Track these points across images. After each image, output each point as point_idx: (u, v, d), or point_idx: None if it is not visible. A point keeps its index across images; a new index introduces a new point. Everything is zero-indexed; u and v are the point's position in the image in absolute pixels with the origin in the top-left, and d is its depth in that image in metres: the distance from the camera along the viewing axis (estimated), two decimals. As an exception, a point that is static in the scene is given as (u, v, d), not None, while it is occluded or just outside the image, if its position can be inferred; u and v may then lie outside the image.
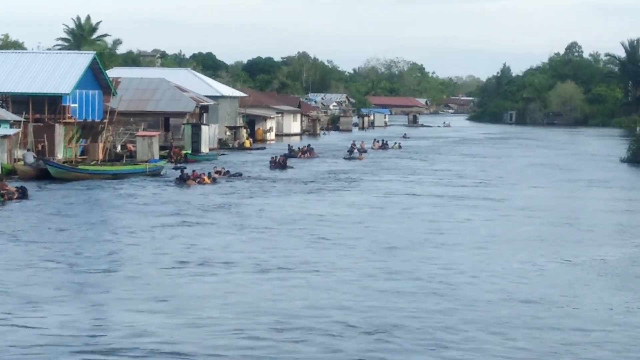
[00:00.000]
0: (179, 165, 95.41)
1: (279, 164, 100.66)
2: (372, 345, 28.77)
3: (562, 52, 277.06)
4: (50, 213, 59.82)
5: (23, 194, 65.46)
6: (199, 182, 79.75)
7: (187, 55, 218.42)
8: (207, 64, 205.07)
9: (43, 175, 77.37)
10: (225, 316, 32.43)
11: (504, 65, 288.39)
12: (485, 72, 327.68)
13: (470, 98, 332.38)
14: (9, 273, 40.27)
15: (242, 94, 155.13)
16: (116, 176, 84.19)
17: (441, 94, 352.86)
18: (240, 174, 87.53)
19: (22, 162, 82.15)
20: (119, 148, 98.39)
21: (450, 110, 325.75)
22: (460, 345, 28.91)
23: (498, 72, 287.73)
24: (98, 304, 34.88)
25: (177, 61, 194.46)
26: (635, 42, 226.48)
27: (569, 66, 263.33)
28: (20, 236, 50.44)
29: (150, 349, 28.16)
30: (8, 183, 68.59)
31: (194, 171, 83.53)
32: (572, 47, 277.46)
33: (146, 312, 33.06)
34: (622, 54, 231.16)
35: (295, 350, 28.17)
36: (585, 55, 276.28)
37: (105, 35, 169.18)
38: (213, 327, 30.90)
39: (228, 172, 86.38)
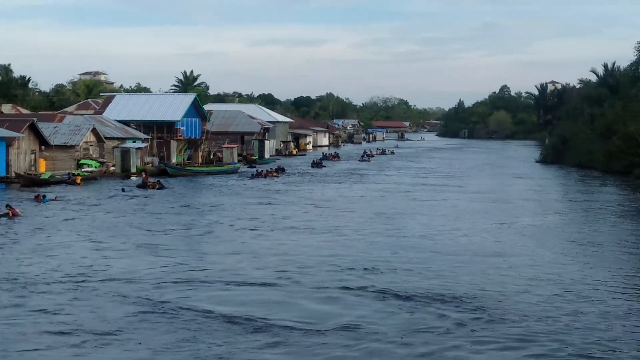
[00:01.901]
0: (251, 166, 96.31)
1: (317, 164, 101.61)
2: (368, 276, 29.41)
3: (497, 91, 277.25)
4: (176, 196, 61.07)
5: (160, 185, 66.60)
6: (267, 176, 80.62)
7: (255, 95, 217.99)
8: (268, 101, 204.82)
9: (163, 173, 78.00)
10: (281, 259, 32.99)
11: (460, 100, 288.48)
12: (447, 104, 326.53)
13: (438, 121, 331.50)
14: (155, 233, 41.08)
15: (290, 120, 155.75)
16: (209, 173, 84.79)
17: (419, 119, 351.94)
18: (284, 169, 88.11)
19: (150, 165, 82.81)
20: (211, 155, 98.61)
21: (425, 130, 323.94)
22: (427, 273, 29.58)
23: (456, 105, 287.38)
24: (201, 252, 35.50)
25: (249, 99, 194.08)
26: (544, 84, 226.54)
27: (501, 100, 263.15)
28: (160, 209, 51.43)
29: (231, 279, 28.76)
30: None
31: (263, 170, 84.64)
32: (504, 88, 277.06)
33: (230, 258, 33.75)
34: (535, 92, 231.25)
35: (321, 278, 28.65)
36: (512, 93, 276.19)
37: (202, 82, 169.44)
38: (274, 264, 31.59)
39: (282, 169, 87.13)
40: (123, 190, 63.24)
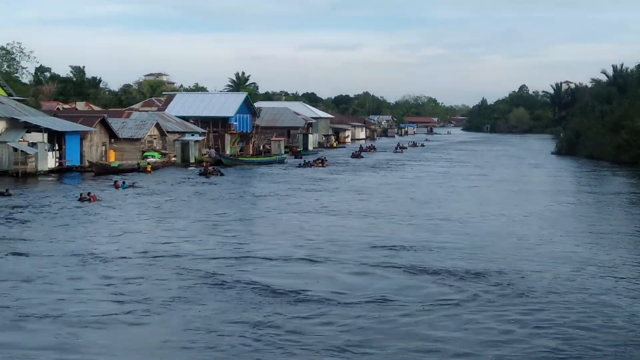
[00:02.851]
0: (297, 157, 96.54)
1: (356, 155, 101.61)
2: (399, 253, 29.44)
3: (516, 90, 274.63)
4: (231, 183, 61.13)
5: (220, 172, 67.41)
6: (313, 166, 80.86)
7: (300, 94, 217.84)
8: (311, 99, 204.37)
9: (218, 163, 78.21)
10: (323, 239, 33.13)
11: (483, 98, 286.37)
12: (472, 102, 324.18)
13: (464, 117, 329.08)
14: (215, 215, 41.13)
15: (331, 116, 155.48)
16: (260, 163, 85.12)
17: (446, 115, 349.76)
18: (327, 160, 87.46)
19: (207, 156, 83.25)
20: (261, 147, 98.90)
21: (452, 125, 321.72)
22: (452, 251, 29.44)
23: (479, 102, 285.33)
24: (253, 232, 35.74)
25: (294, 97, 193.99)
26: (559, 84, 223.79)
27: (520, 98, 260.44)
28: (219, 195, 51.34)
29: (278, 256, 28.90)
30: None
31: (309, 160, 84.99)
32: (523, 87, 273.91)
33: (278, 237, 33.87)
34: (551, 91, 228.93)
35: (357, 256, 28.62)
36: (530, 92, 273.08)
37: (253, 83, 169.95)
38: (317, 243, 31.65)
39: (326, 159, 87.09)
40: (190, 177, 64.93)
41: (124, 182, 55.03)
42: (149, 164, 71.87)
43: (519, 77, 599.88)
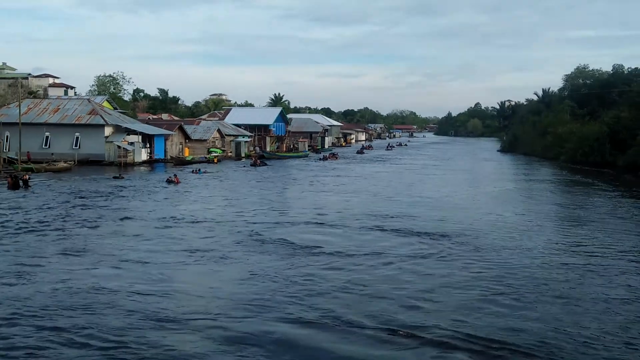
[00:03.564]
0: (317, 153, 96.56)
1: (360, 152, 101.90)
2: (390, 220, 29.40)
3: (473, 106, 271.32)
4: (272, 170, 60.98)
5: (264, 163, 67.92)
6: (330, 159, 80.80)
7: (319, 108, 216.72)
8: (327, 112, 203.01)
9: (261, 157, 78.08)
10: (336, 209, 33.10)
11: (449, 112, 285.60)
12: (441, 114, 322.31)
13: (435, 125, 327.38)
14: (260, 193, 41.15)
15: (341, 124, 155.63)
16: (291, 157, 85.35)
17: (423, 124, 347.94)
18: (338, 155, 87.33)
19: (254, 152, 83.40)
20: (291, 146, 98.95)
21: (426, 130, 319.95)
22: (427, 219, 29.37)
23: (446, 115, 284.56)
24: (287, 204, 35.66)
25: (315, 111, 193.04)
26: (503, 102, 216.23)
27: (475, 112, 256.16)
28: (263, 178, 51.27)
29: (304, 221, 28.95)
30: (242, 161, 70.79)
31: (327, 154, 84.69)
32: (477, 104, 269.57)
33: (304, 208, 33.74)
34: (497, 107, 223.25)
35: (360, 221, 28.66)
36: (482, 107, 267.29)
37: (286, 100, 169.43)
38: (332, 212, 31.56)
39: (337, 154, 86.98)
40: (244, 166, 65.79)
41: (199, 170, 55.54)
42: (215, 157, 72.49)
43: (474, 97, 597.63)
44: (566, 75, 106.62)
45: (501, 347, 13.07)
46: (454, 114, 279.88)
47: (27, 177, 40.96)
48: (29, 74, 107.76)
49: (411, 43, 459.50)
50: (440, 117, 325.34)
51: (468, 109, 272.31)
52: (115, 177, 47.63)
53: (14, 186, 38.53)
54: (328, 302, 16.01)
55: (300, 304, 15.77)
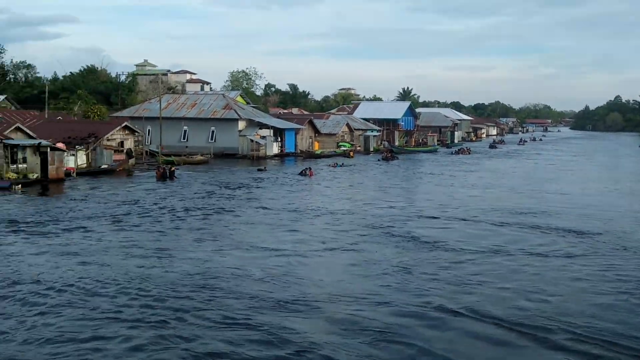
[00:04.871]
0: (448, 147, 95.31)
1: (492, 146, 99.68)
2: (512, 215, 28.49)
3: (612, 99, 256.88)
4: (402, 164, 61.36)
5: (395, 157, 69.70)
6: (462, 153, 79.87)
7: (448, 102, 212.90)
8: (456, 106, 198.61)
9: (389, 151, 77.91)
10: (466, 203, 32.64)
11: (586, 105, 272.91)
12: (577, 108, 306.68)
13: (571, 119, 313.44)
14: (389, 185, 41.23)
15: (471, 118, 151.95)
16: (419, 152, 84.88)
17: (557, 118, 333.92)
18: (470, 150, 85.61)
19: (382, 146, 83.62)
20: (420, 140, 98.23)
21: (561, 125, 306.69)
22: (560, 214, 28.36)
23: (583, 108, 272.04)
24: (413, 199, 35.35)
25: (444, 105, 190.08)
26: None
27: (615, 105, 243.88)
28: (392, 171, 51.57)
29: (434, 216, 28.74)
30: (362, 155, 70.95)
31: (461, 149, 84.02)
32: (617, 97, 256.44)
33: (433, 202, 33.36)
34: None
35: (493, 216, 27.98)
36: (623, 100, 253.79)
37: (414, 94, 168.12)
38: (460, 205, 31.04)
39: (469, 149, 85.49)
40: (379, 160, 66.71)
41: (336, 164, 57.11)
42: (351, 151, 73.96)
43: (614, 90, 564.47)
44: None
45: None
46: (591, 107, 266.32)
47: (174, 169, 44.14)
48: (168, 71, 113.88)
49: (545, 34, 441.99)
50: (576, 111, 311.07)
51: (607, 102, 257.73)
52: (259, 170, 50.36)
53: (162, 177, 42.12)
54: (445, 296, 15.79)
55: (417, 297, 15.75)
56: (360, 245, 21.85)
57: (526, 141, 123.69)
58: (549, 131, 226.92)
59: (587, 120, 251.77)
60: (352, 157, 70.02)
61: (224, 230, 24.41)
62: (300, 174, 47.09)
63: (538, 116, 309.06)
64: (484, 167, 60.22)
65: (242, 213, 28.74)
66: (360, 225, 25.75)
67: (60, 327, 13.20)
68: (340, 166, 56.07)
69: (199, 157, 58.69)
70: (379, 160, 67.20)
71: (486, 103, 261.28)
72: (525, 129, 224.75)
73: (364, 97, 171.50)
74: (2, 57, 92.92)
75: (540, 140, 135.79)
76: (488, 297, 15.75)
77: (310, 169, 48.33)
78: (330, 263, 19.49)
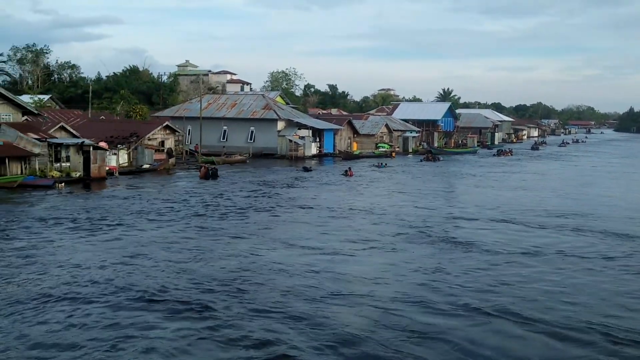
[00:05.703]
0: (488, 149, 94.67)
1: (534, 148, 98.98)
2: (553, 217, 28.39)
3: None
4: (442, 166, 60.81)
5: (437, 158, 69.71)
6: (504, 155, 79.40)
7: (489, 103, 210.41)
8: (497, 107, 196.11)
9: (428, 152, 77.37)
10: (499, 204, 32.54)
11: (631, 107, 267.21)
12: (622, 109, 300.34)
13: (615, 121, 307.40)
14: (427, 186, 41.23)
15: (512, 120, 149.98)
16: (459, 153, 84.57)
17: (601, 119, 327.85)
18: (511, 150, 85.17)
19: (422, 147, 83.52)
20: (460, 142, 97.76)
21: (605, 127, 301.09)
22: (595, 216, 28.29)
23: (628, 109, 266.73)
24: (453, 200, 35.30)
25: (484, 106, 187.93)
26: None
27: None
28: (431, 172, 51.37)
29: (466, 217, 28.71)
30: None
31: (502, 150, 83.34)
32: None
33: (469, 204, 33.33)
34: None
35: (527, 217, 28.00)
36: None
37: (455, 95, 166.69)
38: (495, 208, 31.04)
39: (511, 150, 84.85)
40: (421, 160, 67.34)
41: (380, 164, 58.16)
42: (392, 152, 74.49)
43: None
44: None
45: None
46: (636, 109, 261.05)
47: (216, 168, 45.78)
48: (209, 71, 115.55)
49: (589, 34, 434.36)
50: (620, 113, 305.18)
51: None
52: (305, 169, 51.49)
53: (205, 176, 43.35)
54: (478, 297, 15.90)
55: (451, 296, 15.90)
56: (399, 245, 22.10)
57: (568, 143, 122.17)
58: (592, 133, 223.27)
59: (632, 122, 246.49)
60: (394, 157, 70.51)
61: (264, 227, 25.13)
62: (344, 173, 48.24)
63: (581, 118, 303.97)
64: (526, 169, 59.71)
65: (283, 211, 29.44)
66: (401, 225, 25.98)
67: (110, 317, 13.85)
68: (384, 166, 56.68)
69: (237, 157, 59.56)
70: (420, 160, 67.59)
71: (528, 104, 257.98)
72: (567, 130, 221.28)
73: (404, 97, 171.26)
74: (48, 58, 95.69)
75: (583, 142, 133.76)
76: (522, 299, 15.81)
77: (350, 169, 49.18)
78: (369, 261, 19.72)
